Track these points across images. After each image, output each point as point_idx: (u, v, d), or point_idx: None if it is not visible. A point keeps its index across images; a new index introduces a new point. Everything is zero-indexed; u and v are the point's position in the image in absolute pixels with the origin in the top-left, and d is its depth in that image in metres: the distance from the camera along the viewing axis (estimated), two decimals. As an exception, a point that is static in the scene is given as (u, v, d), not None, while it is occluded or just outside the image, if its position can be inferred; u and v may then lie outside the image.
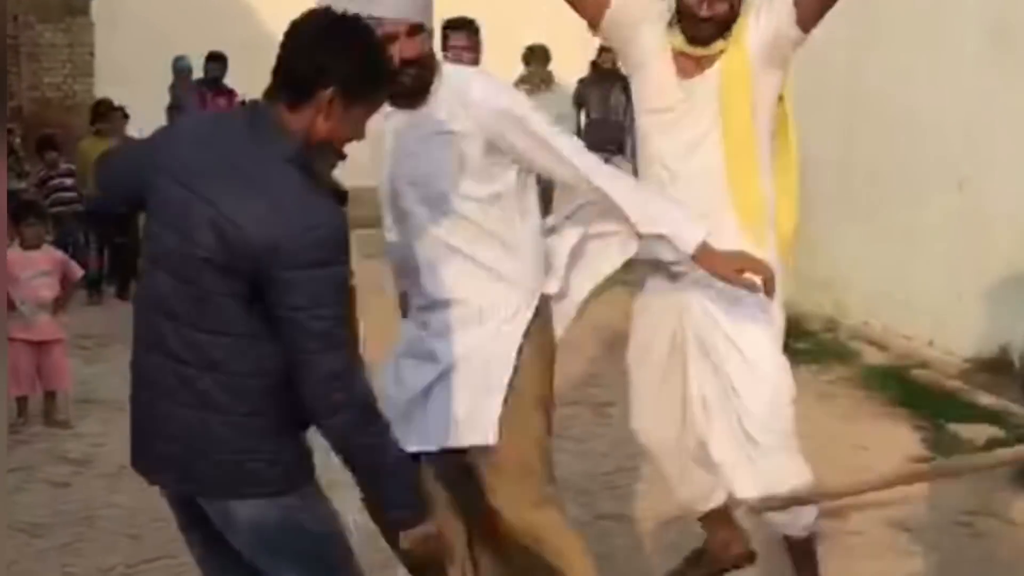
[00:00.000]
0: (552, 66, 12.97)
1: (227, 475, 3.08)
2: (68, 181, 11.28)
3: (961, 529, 5.58)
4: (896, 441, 6.77)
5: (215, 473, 3.08)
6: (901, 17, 8.73)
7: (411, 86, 3.63)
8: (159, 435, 3.16)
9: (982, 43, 8.02)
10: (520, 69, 12.79)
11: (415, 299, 3.88)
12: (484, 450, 3.73)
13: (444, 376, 3.76)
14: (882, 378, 8.06)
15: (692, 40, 4.14)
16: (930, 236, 8.52)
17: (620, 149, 12.93)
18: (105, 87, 15.00)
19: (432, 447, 3.76)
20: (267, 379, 3.04)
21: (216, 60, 13.50)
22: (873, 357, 8.69)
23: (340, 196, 3.09)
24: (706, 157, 4.16)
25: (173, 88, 13.55)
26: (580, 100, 12.94)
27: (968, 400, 7.49)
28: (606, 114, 12.95)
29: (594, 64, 13.18)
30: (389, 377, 3.86)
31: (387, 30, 3.48)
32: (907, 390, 7.77)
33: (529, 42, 12.92)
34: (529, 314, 3.78)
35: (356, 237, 3.16)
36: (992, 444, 6.64)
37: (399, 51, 3.53)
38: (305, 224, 2.92)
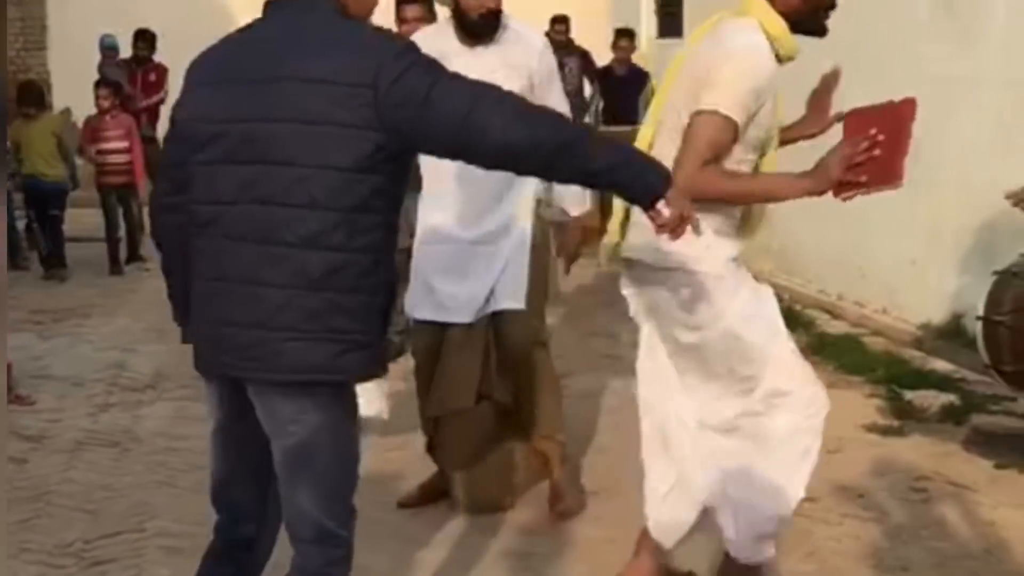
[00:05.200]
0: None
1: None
2: None
3: (914, 495, 5.63)
4: (851, 408, 6.81)
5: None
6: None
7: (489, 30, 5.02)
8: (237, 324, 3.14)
9: (934, 12, 8.07)
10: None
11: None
12: None
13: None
14: (837, 346, 8.12)
15: None
16: (884, 204, 8.55)
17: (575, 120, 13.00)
18: (58, 61, 14.88)
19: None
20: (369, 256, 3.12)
21: (143, 38, 13.35)
22: (828, 325, 8.76)
23: None
24: None
25: (101, 66, 13.30)
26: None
27: (922, 367, 7.57)
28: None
29: (546, 35, 13.17)
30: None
31: None
32: (861, 358, 7.83)
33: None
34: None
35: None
36: (946, 410, 6.72)
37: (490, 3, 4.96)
38: (391, 44, 3.12)
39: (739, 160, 4.05)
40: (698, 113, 3.90)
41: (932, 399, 6.86)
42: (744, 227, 4.26)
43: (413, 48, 3.13)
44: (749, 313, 4.15)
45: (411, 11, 6.23)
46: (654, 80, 12.61)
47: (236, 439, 3.34)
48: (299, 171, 3.03)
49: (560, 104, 5.07)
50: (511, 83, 4.43)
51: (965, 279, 7.65)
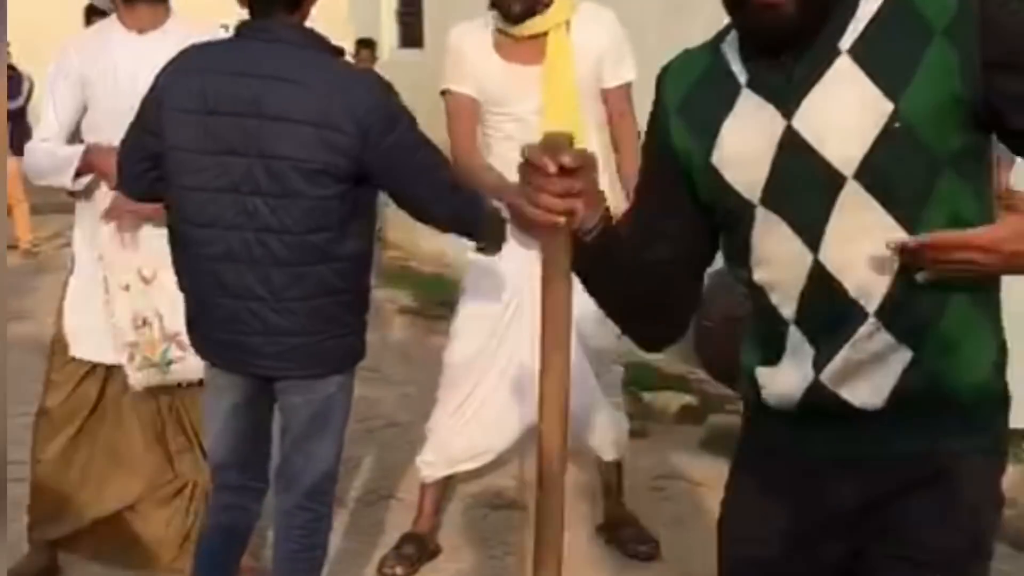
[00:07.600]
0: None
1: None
2: None
3: (654, 493, 5.72)
4: (592, 411, 6.87)
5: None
6: None
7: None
8: (250, 330, 3.53)
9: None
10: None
11: None
12: None
13: None
14: (578, 351, 8.17)
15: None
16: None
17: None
18: None
19: None
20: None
21: None
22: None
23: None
24: None
25: None
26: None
27: (660, 369, 7.68)
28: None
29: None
30: None
31: None
32: (603, 362, 7.90)
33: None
34: None
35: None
36: (685, 411, 6.84)
37: None
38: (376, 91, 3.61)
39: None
40: None
41: (671, 401, 6.97)
42: None
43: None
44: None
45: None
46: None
47: None
48: None
49: None
50: None
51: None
